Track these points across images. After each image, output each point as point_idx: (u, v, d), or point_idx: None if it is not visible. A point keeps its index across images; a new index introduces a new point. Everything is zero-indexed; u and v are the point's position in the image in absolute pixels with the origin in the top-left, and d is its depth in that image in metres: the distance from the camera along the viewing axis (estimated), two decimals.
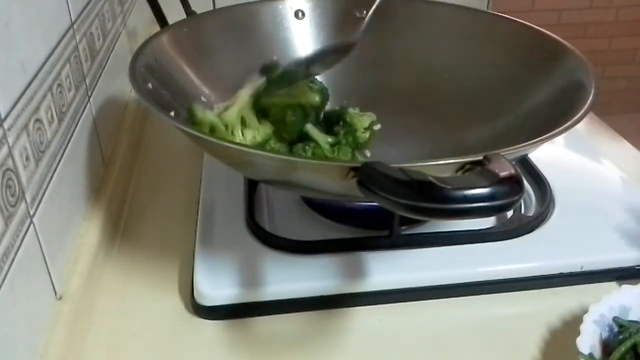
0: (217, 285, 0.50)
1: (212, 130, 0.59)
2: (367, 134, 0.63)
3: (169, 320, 0.50)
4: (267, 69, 0.66)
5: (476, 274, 0.52)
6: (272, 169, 0.48)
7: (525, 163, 0.64)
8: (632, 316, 0.46)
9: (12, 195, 0.40)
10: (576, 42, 0.59)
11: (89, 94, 0.60)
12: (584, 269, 0.53)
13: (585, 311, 0.45)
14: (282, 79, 0.65)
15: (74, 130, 0.54)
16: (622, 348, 0.43)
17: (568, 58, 0.59)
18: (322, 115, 0.65)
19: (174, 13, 0.71)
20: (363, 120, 0.64)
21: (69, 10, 0.56)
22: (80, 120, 0.56)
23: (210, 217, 0.58)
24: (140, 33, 0.89)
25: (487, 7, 1.23)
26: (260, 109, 0.62)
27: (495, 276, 0.52)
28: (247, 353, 0.47)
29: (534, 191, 0.62)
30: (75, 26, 0.57)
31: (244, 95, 0.62)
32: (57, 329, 0.45)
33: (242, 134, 0.61)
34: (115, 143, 0.69)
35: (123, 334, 0.49)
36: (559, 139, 0.63)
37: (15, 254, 0.40)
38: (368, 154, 0.64)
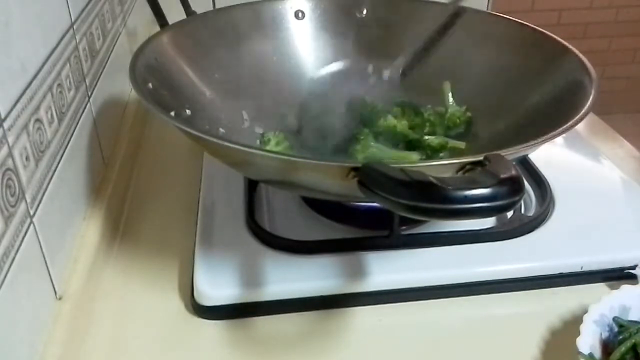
0: (217, 285, 0.50)
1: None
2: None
3: (169, 320, 0.50)
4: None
5: (476, 274, 0.52)
6: (272, 169, 0.48)
7: (525, 163, 0.64)
8: (632, 316, 0.46)
9: (12, 195, 0.40)
10: (576, 42, 0.59)
11: (89, 94, 0.60)
12: (584, 269, 0.53)
13: (585, 311, 0.45)
14: None
15: (74, 130, 0.54)
16: (622, 348, 0.43)
17: (568, 58, 0.59)
18: None
19: (174, 13, 0.71)
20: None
21: (69, 10, 0.56)
22: (80, 120, 0.56)
23: (210, 217, 0.58)
24: (140, 33, 0.89)
25: (487, 7, 1.23)
26: None
27: (495, 276, 0.52)
28: (247, 353, 0.47)
29: (534, 191, 0.62)
30: (75, 26, 0.57)
31: None
32: (57, 329, 0.45)
33: None
34: (115, 143, 0.69)
35: (123, 333, 0.49)
36: (559, 139, 0.63)
37: (15, 254, 0.40)
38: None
